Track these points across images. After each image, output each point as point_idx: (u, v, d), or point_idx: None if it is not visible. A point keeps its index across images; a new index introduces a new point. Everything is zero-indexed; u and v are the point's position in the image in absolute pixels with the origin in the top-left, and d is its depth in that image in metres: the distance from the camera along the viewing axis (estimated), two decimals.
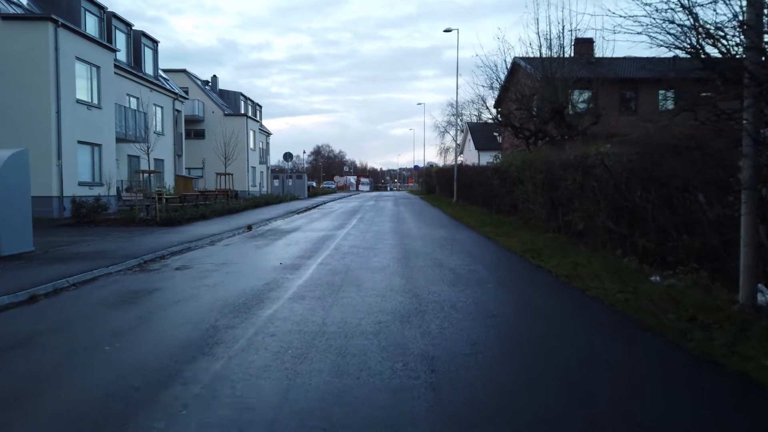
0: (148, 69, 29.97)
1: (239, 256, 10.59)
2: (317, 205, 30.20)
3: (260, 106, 55.03)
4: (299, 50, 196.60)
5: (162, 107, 31.41)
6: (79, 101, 20.30)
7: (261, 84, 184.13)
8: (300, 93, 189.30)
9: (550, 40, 18.45)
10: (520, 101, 19.76)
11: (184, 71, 43.26)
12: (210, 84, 47.49)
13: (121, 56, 26.89)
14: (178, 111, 34.16)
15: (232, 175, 25.22)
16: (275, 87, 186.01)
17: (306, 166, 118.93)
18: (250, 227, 15.82)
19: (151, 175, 19.48)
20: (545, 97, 17.51)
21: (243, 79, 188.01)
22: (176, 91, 33.14)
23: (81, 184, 20.29)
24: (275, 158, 65.66)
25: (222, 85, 49.77)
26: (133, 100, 28.01)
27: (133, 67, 27.88)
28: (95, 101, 21.55)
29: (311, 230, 15.39)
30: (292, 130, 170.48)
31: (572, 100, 18.08)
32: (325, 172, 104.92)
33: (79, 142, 20.34)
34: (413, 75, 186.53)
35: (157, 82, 30.52)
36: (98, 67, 21.61)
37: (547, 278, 8.08)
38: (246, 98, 49.80)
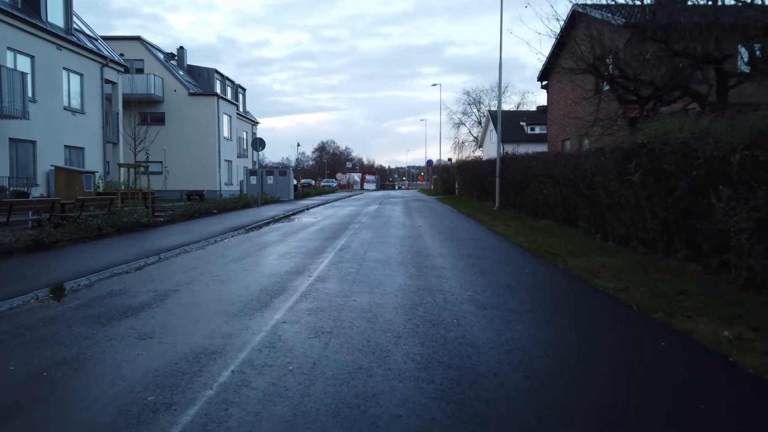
0: (55, 18, 20.91)
1: None
2: (293, 213, 20.95)
3: (244, 89, 45.60)
4: (299, 47, 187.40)
5: (81, 74, 22.33)
6: None
7: (263, 81, 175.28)
8: (303, 91, 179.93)
9: None
10: (652, 30, 10.36)
11: (138, 39, 34.22)
12: (176, 58, 38.30)
13: None
14: (113, 83, 25.06)
15: (146, 167, 16.03)
16: (277, 84, 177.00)
17: (310, 162, 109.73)
18: (53, 293, 6.56)
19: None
20: None
21: (245, 76, 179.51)
22: (106, 54, 24.00)
23: None
24: (269, 152, 56.57)
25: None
26: (24, 59, 19.03)
27: (21, 10, 18.84)
28: None
29: (194, 304, 6.11)
30: (297, 128, 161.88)
31: None
32: (330, 169, 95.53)
33: None
34: (415, 72, 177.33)
35: (71, 38, 21.45)
36: None
37: None
38: (223, 77, 40.53)
